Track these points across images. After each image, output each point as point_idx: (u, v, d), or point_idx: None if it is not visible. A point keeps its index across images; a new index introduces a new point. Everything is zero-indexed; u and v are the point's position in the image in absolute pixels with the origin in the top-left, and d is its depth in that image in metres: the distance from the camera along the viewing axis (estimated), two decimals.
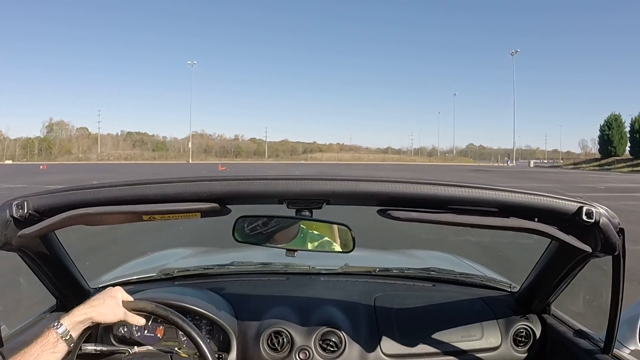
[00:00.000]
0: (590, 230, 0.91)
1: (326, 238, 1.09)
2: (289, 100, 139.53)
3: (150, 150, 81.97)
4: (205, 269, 1.63)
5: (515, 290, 1.48)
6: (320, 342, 1.26)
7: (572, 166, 56.69)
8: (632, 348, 1.14)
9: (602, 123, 53.67)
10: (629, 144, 50.25)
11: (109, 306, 0.95)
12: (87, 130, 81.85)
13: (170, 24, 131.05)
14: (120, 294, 1.00)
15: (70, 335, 0.88)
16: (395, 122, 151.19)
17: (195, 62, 74.93)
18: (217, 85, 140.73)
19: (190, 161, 58.52)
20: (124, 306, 0.99)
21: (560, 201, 0.91)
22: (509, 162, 70.36)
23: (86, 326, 0.92)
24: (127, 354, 1.13)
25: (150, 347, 1.14)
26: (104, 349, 1.17)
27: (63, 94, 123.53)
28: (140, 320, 1.02)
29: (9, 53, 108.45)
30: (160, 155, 76.81)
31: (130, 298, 1.02)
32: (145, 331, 1.31)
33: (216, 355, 1.12)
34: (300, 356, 1.25)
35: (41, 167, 37.16)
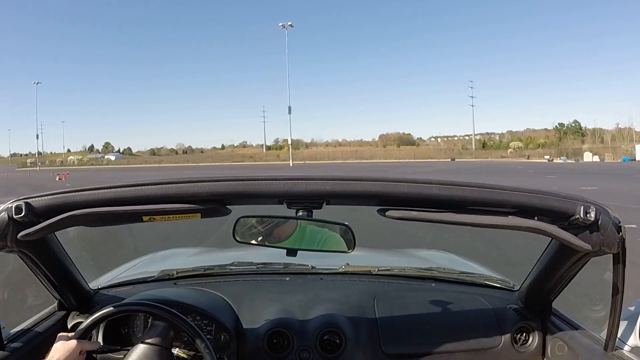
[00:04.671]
0: (590, 228, 0.91)
1: (326, 238, 1.09)
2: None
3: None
4: (205, 269, 1.63)
5: (516, 289, 1.48)
6: (321, 342, 1.26)
7: None
8: (633, 346, 1.14)
9: None
10: None
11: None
12: None
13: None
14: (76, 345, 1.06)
15: None
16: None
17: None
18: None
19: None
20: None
21: (560, 200, 0.91)
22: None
23: None
24: (127, 353, 1.13)
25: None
26: (105, 348, 1.17)
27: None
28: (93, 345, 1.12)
29: None
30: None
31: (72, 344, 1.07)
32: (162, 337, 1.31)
33: (217, 356, 1.12)
34: (301, 356, 1.25)
35: None
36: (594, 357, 1.10)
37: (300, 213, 0.99)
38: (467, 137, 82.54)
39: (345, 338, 1.26)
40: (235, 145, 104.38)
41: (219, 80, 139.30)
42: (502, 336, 1.32)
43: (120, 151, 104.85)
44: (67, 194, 0.94)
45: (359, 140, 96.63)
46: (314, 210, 0.99)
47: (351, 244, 1.05)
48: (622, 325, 1.07)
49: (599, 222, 0.89)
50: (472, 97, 75.05)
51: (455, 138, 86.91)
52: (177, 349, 1.17)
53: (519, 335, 1.33)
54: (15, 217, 0.92)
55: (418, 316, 1.35)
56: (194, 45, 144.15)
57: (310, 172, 0.98)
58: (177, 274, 1.58)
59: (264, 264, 1.65)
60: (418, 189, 0.92)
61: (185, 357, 1.17)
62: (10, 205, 0.93)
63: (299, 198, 0.96)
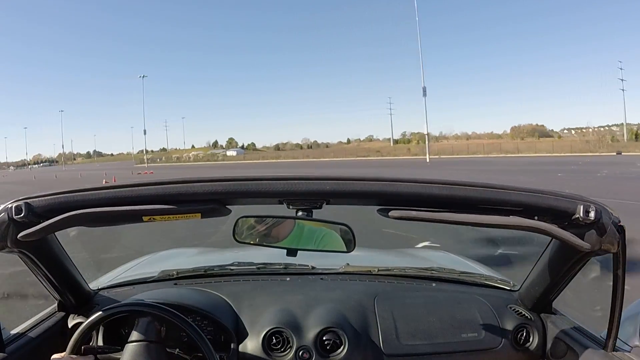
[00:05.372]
0: (590, 228, 0.91)
1: (327, 238, 1.09)
2: None
3: None
4: (206, 269, 1.63)
5: (516, 289, 1.48)
6: (321, 342, 1.26)
7: None
8: (633, 346, 1.14)
9: None
10: None
11: None
12: None
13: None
14: None
15: None
16: None
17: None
18: None
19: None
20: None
21: (561, 199, 0.91)
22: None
23: None
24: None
25: None
26: (106, 349, 1.17)
27: None
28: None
29: None
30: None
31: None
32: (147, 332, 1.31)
33: (217, 356, 1.12)
34: (301, 356, 1.25)
35: None
36: (594, 357, 1.10)
37: (300, 213, 0.99)
38: (605, 128, 68.53)
39: (345, 338, 1.26)
40: (361, 139, 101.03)
41: (344, 71, 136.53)
42: (502, 336, 1.32)
43: (244, 147, 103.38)
44: (67, 194, 0.94)
45: (489, 132, 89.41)
46: (314, 210, 0.99)
47: (351, 244, 1.05)
48: (622, 325, 1.07)
49: (599, 221, 0.89)
50: (622, 79, 60.97)
51: (590, 129, 73.19)
52: (177, 349, 1.17)
53: (519, 335, 1.33)
54: (15, 217, 0.92)
55: (418, 316, 1.35)
56: (319, 35, 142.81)
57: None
58: (177, 274, 1.58)
59: (264, 264, 1.65)
60: (418, 188, 0.92)
61: (186, 357, 1.17)
62: (10, 206, 0.93)
63: (299, 198, 0.96)
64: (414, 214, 0.93)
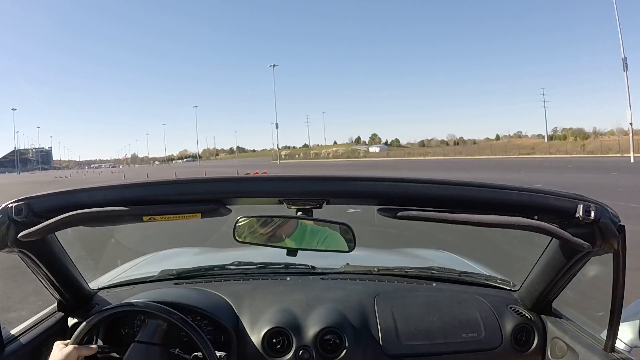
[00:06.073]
0: (590, 227, 0.91)
1: (327, 237, 1.09)
2: None
3: None
4: (206, 269, 1.63)
5: (516, 289, 1.48)
6: (321, 342, 1.26)
7: None
8: (633, 346, 1.14)
9: None
10: None
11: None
12: None
13: None
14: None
15: None
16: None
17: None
18: None
19: None
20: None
21: (561, 199, 0.91)
22: None
23: None
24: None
25: None
26: (106, 348, 1.17)
27: None
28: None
29: None
30: None
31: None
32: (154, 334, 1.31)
33: (217, 356, 1.12)
34: (301, 356, 1.25)
35: None
36: (594, 357, 1.10)
37: (300, 213, 0.99)
38: None
39: (345, 338, 1.26)
40: (510, 135, 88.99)
41: (491, 63, 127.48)
42: (503, 336, 1.32)
43: (388, 143, 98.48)
44: (67, 194, 0.94)
45: None
46: (314, 210, 0.99)
47: (351, 243, 1.06)
48: (622, 325, 1.07)
49: (599, 221, 0.90)
50: None
51: None
52: (177, 349, 1.17)
53: (519, 335, 1.33)
54: (15, 217, 0.92)
55: (418, 316, 1.35)
56: (469, 26, 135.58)
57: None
58: (177, 274, 1.58)
59: (264, 264, 1.65)
60: (418, 188, 0.92)
61: (186, 357, 1.17)
62: (10, 206, 0.93)
63: (299, 198, 0.96)
64: (414, 213, 0.93)
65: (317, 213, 1.00)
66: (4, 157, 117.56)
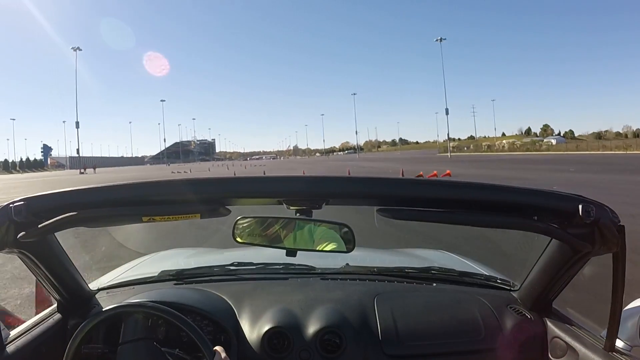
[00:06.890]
0: (590, 228, 0.91)
1: (326, 238, 1.09)
2: None
3: None
4: (206, 269, 1.63)
5: (516, 288, 1.48)
6: (321, 343, 1.26)
7: None
8: (634, 345, 1.14)
9: None
10: None
11: None
12: None
13: None
14: None
15: None
16: None
17: None
18: None
19: None
20: None
21: (561, 199, 0.91)
22: None
23: None
24: None
25: None
26: (105, 349, 1.17)
27: None
28: None
29: None
30: None
31: None
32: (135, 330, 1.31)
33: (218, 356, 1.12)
34: (301, 356, 1.25)
35: None
36: (594, 356, 1.10)
37: (299, 213, 0.99)
38: None
39: (345, 338, 1.26)
40: None
41: None
42: (503, 336, 1.32)
43: (561, 134, 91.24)
44: (67, 194, 0.94)
45: None
46: (313, 211, 0.99)
47: (351, 244, 1.05)
48: (622, 325, 1.07)
49: (599, 221, 0.89)
50: None
51: None
52: (177, 349, 1.17)
53: (519, 335, 1.33)
54: (14, 218, 0.92)
55: (418, 316, 1.35)
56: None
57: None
58: (177, 274, 1.58)
59: (264, 264, 1.65)
60: (418, 189, 0.92)
61: (186, 357, 1.17)
62: (10, 206, 0.92)
63: (299, 198, 0.96)
64: (413, 214, 0.93)
65: (316, 214, 1.00)
66: (167, 148, 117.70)
